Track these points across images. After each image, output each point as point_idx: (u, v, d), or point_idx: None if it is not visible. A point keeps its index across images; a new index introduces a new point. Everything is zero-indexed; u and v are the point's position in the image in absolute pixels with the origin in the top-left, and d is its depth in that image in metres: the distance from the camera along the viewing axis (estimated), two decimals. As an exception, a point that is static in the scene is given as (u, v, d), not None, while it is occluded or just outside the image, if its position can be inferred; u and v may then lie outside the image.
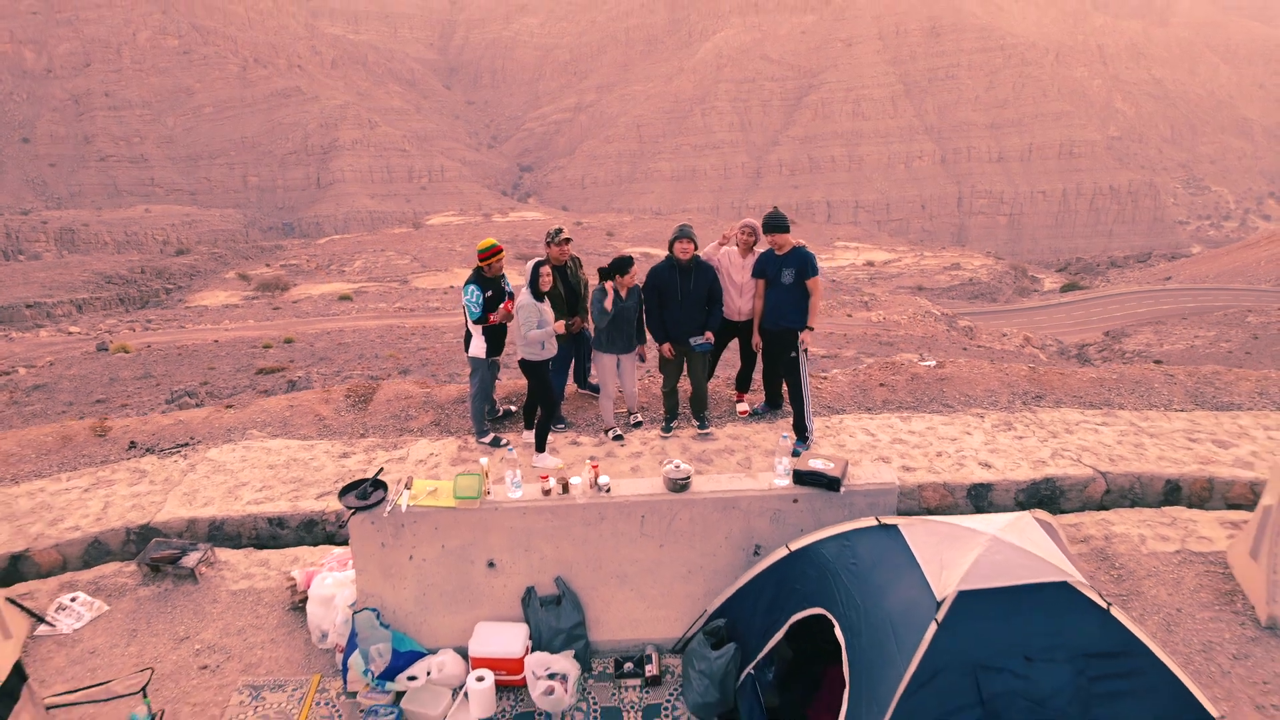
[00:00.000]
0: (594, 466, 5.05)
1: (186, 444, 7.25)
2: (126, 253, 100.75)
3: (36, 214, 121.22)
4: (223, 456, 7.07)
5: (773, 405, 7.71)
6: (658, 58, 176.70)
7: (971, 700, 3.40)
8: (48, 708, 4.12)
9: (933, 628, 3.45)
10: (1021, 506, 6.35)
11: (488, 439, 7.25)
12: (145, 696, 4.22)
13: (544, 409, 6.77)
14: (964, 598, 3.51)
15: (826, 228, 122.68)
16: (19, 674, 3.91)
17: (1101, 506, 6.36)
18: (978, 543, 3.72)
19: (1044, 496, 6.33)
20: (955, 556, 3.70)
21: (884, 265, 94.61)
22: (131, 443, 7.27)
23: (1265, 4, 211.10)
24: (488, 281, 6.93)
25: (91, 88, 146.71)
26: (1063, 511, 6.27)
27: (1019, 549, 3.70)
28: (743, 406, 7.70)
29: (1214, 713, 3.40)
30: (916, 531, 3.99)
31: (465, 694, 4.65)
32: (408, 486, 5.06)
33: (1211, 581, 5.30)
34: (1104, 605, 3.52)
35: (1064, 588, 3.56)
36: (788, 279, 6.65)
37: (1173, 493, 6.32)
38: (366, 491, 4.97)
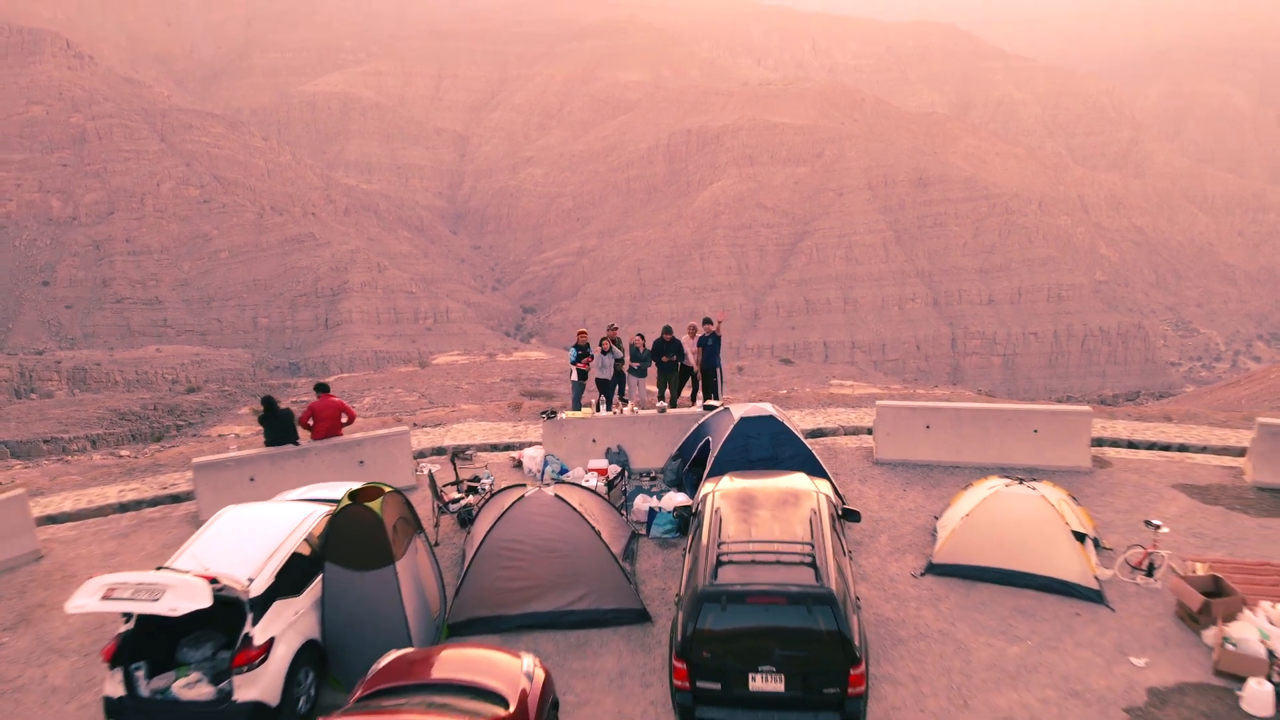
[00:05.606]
0: (633, 404, 14.83)
1: (440, 424, 16.87)
2: (136, 391, 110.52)
3: (50, 354, 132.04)
4: (460, 427, 16.68)
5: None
6: (657, 205, 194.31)
7: (743, 444, 12.97)
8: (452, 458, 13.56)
9: (732, 425, 13.08)
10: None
11: (577, 422, 16.85)
12: (486, 468, 13.67)
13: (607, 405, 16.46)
14: (743, 420, 13.18)
15: (823, 367, 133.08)
16: (457, 450, 13.42)
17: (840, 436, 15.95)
18: (746, 404, 13.48)
19: (817, 434, 15.87)
20: (740, 410, 13.42)
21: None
22: (414, 424, 16.89)
23: (1238, 158, 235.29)
24: (580, 345, 16.74)
25: (113, 234, 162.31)
26: (824, 437, 15.78)
27: (756, 406, 13.45)
28: (695, 409, 17.32)
29: (809, 447, 12.93)
30: (734, 406, 13.73)
31: (587, 478, 14.09)
32: (563, 413, 14.81)
33: (868, 455, 14.83)
34: (782, 420, 13.16)
35: (771, 418, 13.21)
36: (710, 344, 16.48)
37: (870, 431, 15.93)
38: (549, 415, 14.70)
